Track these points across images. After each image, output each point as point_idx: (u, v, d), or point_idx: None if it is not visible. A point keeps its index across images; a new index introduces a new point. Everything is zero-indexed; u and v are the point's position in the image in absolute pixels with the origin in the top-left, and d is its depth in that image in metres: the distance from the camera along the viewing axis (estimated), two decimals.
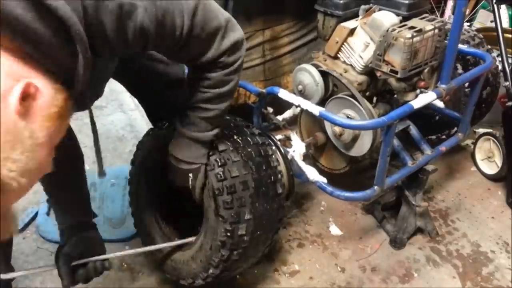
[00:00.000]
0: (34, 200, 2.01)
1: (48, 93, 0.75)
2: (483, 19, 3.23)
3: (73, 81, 0.83)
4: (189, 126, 1.19)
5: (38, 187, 2.12)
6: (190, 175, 1.26)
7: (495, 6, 2.05)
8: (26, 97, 0.70)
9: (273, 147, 1.49)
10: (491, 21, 2.94)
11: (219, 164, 1.26)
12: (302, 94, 1.73)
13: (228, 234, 1.27)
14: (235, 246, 1.30)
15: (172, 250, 1.49)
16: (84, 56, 0.80)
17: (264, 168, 1.35)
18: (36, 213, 1.93)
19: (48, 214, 1.93)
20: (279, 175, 1.41)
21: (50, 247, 1.80)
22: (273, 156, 1.42)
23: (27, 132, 0.70)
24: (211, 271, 1.36)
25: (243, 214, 1.28)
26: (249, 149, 1.34)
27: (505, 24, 2.99)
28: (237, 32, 1.05)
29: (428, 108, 1.94)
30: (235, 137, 1.34)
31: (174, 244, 1.46)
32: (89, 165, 2.25)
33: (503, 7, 2.99)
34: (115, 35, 0.85)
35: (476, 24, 3.27)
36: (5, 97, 0.68)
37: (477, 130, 2.39)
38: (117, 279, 1.68)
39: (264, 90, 1.77)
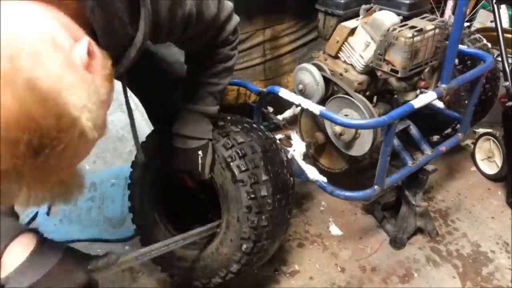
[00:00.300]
0: None
1: (100, 55, 0.77)
2: (483, 19, 3.23)
3: (120, 60, 0.91)
4: (199, 101, 1.30)
5: None
6: (200, 152, 1.31)
7: (495, 6, 2.05)
8: (88, 54, 0.72)
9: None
10: (491, 21, 2.95)
11: (223, 135, 1.34)
12: (303, 93, 1.73)
13: (252, 195, 1.30)
14: (261, 208, 1.32)
15: (188, 247, 1.48)
16: (143, 37, 0.89)
17: (264, 138, 1.43)
18: (36, 213, 1.92)
19: (48, 214, 1.94)
20: (280, 146, 1.47)
21: None
22: (273, 138, 1.48)
23: (93, 86, 0.70)
24: (240, 254, 1.36)
25: (259, 174, 1.32)
26: (245, 124, 1.43)
27: (505, 24, 2.99)
28: (235, 14, 1.24)
29: (428, 108, 1.94)
30: (233, 119, 1.45)
31: (202, 230, 1.41)
32: (89, 165, 2.26)
33: (503, 7, 2.99)
34: (166, 22, 0.96)
35: (476, 24, 3.28)
36: (70, 51, 0.69)
37: (477, 130, 2.39)
38: (117, 279, 1.68)
39: (264, 89, 1.77)
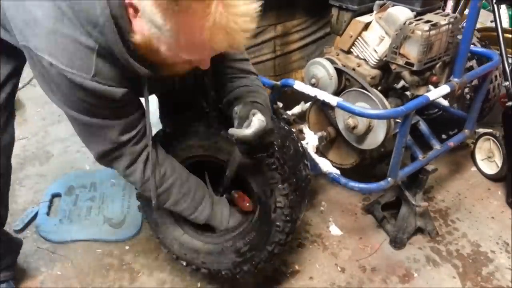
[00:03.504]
0: (34, 200, 2.01)
1: None
2: (483, 19, 3.22)
3: None
4: None
5: (38, 186, 2.14)
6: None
7: (495, 6, 2.05)
8: None
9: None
10: (491, 21, 2.94)
11: None
12: (315, 87, 1.73)
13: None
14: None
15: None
16: None
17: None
18: (36, 213, 1.93)
19: (48, 214, 1.94)
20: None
21: (50, 247, 1.80)
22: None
23: None
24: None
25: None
26: None
27: (505, 24, 2.99)
28: None
29: (434, 106, 1.97)
30: None
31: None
32: (89, 165, 2.26)
33: (503, 7, 2.99)
34: None
35: (476, 24, 3.27)
36: None
37: (477, 130, 2.38)
38: (117, 279, 1.68)
39: (278, 83, 1.77)
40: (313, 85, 1.74)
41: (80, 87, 1.00)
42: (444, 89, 1.64)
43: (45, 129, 2.54)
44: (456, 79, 1.67)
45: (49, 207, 1.97)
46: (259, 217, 1.40)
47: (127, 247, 1.81)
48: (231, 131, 1.21)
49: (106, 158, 1.20)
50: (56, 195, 2.04)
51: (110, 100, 1.05)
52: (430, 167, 1.74)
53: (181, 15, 0.86)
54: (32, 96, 2.74)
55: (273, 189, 1.34)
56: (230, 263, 1.49)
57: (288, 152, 1.40)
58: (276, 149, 1.34)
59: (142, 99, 1.17)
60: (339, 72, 1.69)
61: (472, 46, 1.90)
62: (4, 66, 1.26)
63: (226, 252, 1.48)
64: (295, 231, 1.47)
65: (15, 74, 1.31)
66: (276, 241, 1.40)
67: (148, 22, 0.91)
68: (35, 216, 1.92)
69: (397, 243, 1.82)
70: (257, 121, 1.18)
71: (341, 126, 1.73)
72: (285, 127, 1.52)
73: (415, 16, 1.60)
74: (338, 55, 1.76)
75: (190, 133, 1.37)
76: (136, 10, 0.92)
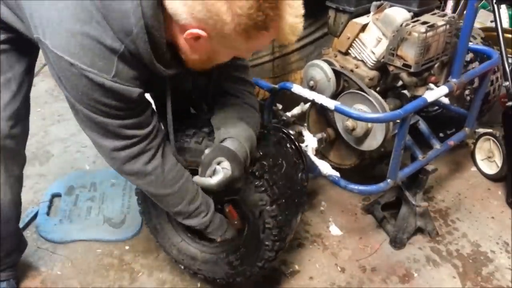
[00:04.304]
0: (34, 200, 2.01)
1: None
2: (483, 19, 3.22)
3: None
4: None
5: (38, 186, 2.13)
6: None
7: (495, 6, 2.05)
8: None
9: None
10: (491, 21, 2.95)
11: None
12: (313, 90, 1.73)
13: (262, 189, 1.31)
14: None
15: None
16: None
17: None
18: (36, 213, 1.93)
19: (48, 214, 1.94)
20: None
21: (50, 247, 1.80)
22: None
23: None
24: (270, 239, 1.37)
25: None
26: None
27: (505, 24, 2.99)
28: None
29: (434, 105, 1.96)
30: None
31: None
32: (89, 165, 2.26)
33: (503, 7, 2.99)
34: None
35: (476, 24, 3.27)
36: None
37: (477, 130, 2.38)
38: (117, 279, 1.68)
39: (276, 86, 1.77)
40: (311, 87, 1.73)
41: (99, 86, 0.99)
42: (442, 90, 1.63)
43: (45, 129, 2.54)
44: (454, 80, 1.67)
45: (49, 207, 1.98)
46: (248, 235, 1.40)
47: (127, 247, 1.81)
48: (195, 179, 1.19)
49: (122, 152, 1.15)
50: (56, 195, 2.04)
51: (126, 99, 1.04)
52: (430, 167, 1.73)
53: (261, 33, 0.95)
54: (32, 96, 2.71)
55: (261, 210, 1.32)
56: (223, 273, 1.50)
57: (279, 172, 1.37)
58: (266, 170, 1.31)
59: (148, 96, 1.16)
60: (337, 74, 1.69)
61: (470, 43, 1.91)
62: (19, 64, 1.27)
63: (220, 264, 1.49)
64: (285, 247, 1.47)
65: (30, 70, 1.32)
66: (266, 258, 1.41)
67: (219, 45, 0.99)
68: (35, 216, 1.92)
69: (397, 243, 1.83)
70: (221, 171, 1.15)
71: (340, 127, 1.73)
72: (279, 140, 1.48)
73: (412, 17, 1.59)
74: (336, 56, 1.75)
75: (181, 149, 1.33)
76: (198, 38, 0.96)
